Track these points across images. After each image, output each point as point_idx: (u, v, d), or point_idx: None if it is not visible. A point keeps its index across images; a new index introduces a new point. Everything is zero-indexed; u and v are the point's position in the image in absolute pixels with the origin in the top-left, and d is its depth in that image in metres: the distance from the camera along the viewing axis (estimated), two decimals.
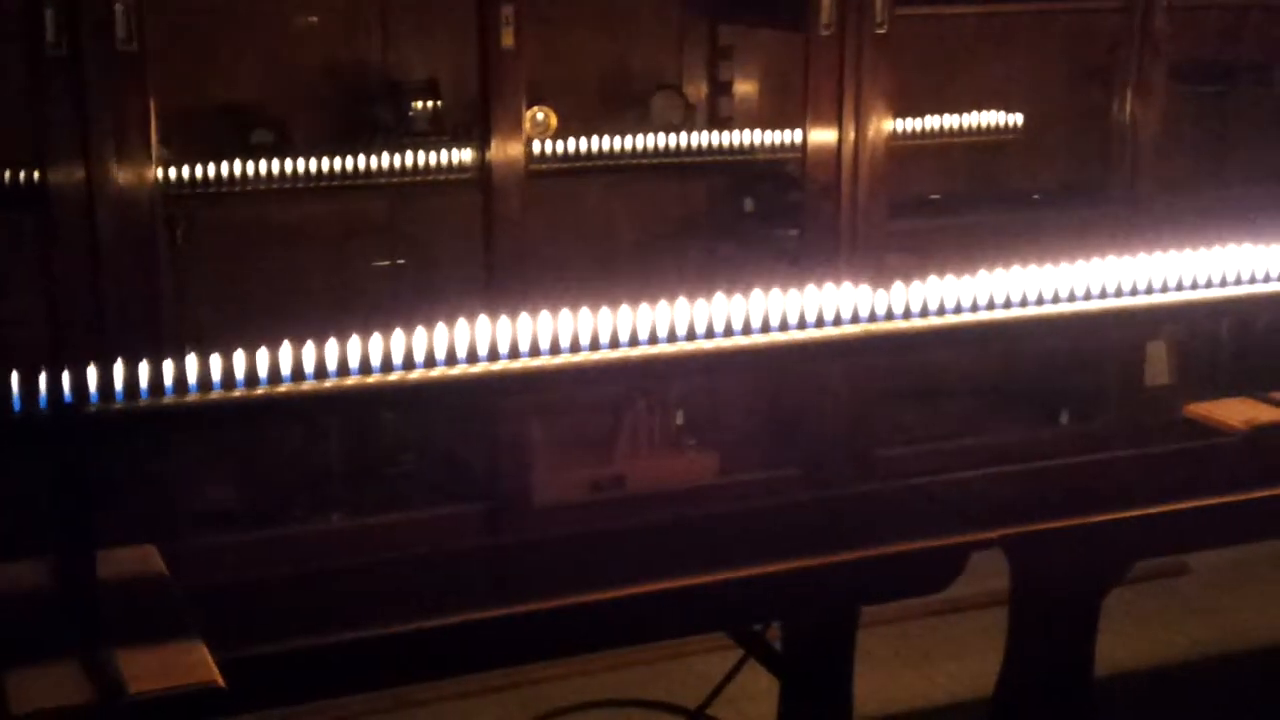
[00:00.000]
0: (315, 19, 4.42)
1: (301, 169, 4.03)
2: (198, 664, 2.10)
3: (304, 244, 4.45)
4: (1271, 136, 5.36)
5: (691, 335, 2.47)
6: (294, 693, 2.67)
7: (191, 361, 2.21)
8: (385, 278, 4.57)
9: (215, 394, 2.22)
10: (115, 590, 2.29)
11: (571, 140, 4.28)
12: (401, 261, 4.58)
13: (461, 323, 2.35)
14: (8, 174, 3.68)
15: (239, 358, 2.23)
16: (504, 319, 2.37)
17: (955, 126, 4.72)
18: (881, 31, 4.13)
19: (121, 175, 3.49)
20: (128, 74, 3.47)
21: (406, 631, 2.48)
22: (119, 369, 2.17)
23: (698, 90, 4.88)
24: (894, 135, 4.31)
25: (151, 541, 2.52)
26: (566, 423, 4.30)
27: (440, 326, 2.34)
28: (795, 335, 2.53)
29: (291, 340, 2.25)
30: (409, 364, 2.32)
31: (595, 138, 4.30)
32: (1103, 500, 3.04)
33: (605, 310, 2.44)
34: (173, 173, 3.89)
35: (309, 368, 2.26)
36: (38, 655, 2.11)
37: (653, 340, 2.45)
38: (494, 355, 2.36)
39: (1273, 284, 2.83)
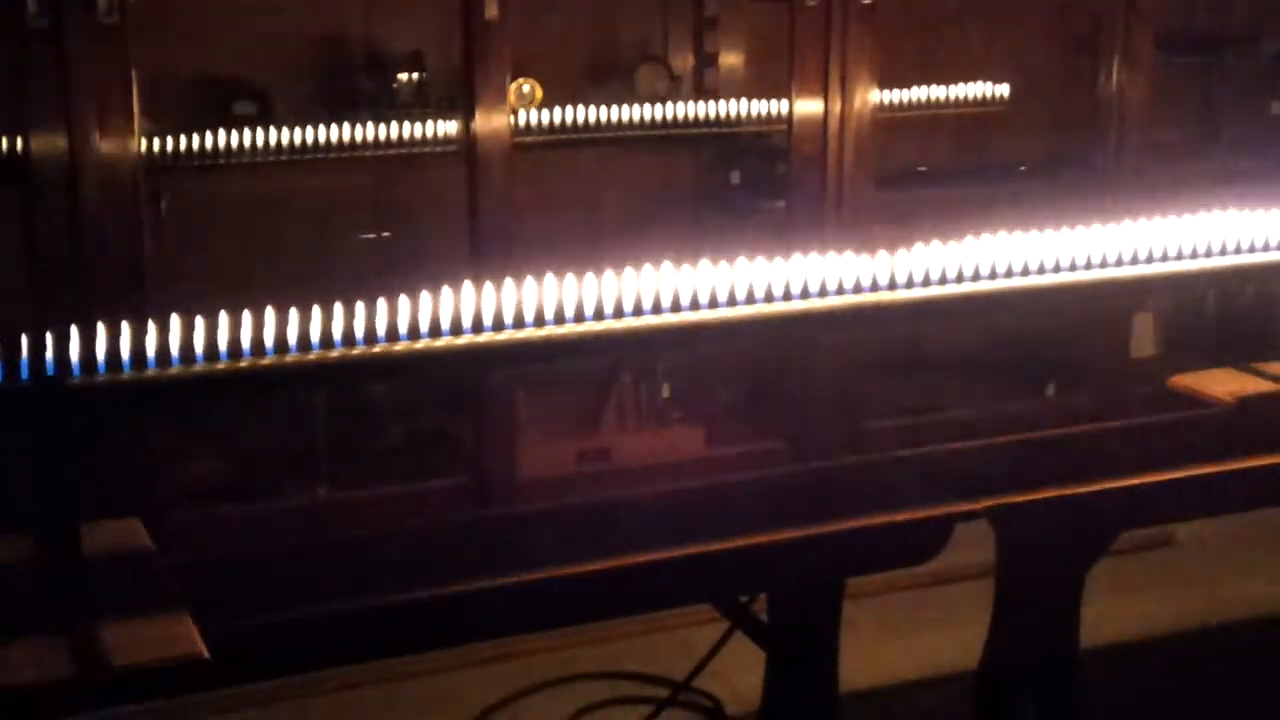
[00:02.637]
0: None
1: (285, 141, 4.02)
2: (183, 637, 2.10)
3: (288, 216, 4.43)
4: (1257, 107, 5.35)
5: (677, 307, 2.47)
6: (279, 665, 2.67)
7: (175, 334, 2.20)
8: (370, 250, 4.55)
9: (199, 367, 2.21)
10: (100, 564, 2.28)
11: (557, 112, 4.27)
12: (386, 234, 4.57)
13: (447, 295, 2.34)
14: None
15: (223, 331, 2.22)
16: (489, 291, 2.36)
17: (941, 98, 4.71)
18: (867, 2, 4.12)
19: (104, 147, 3.47)
20: (110, 46, 3.44)
21: (392, 604, 2.48)
22: (102, 341, 2.16)
23: (683, 62, 4.87)
24: (880, 106, 4.30)
25: (136, 515, 2.51)
26: (552, 396, 4.29)
27: (425, 299, 2.33)
28: (781, 307, 2.52)
29: (276, 313, 2.24)
30: (394, 336, 2.31)
31: (580, 109, 4.29)
32: (1089, 471, 3.04)
33: (591, 282, 2.43)
34: (156, 145, 3.87)
35: (294, 340, 2.25)
36: (22, 629, 2.10)
37: (638, 312, 2.45)
38: (479, 328, 2.36)
39: (1259, 254, 2.83)
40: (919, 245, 2.63)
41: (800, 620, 3.17)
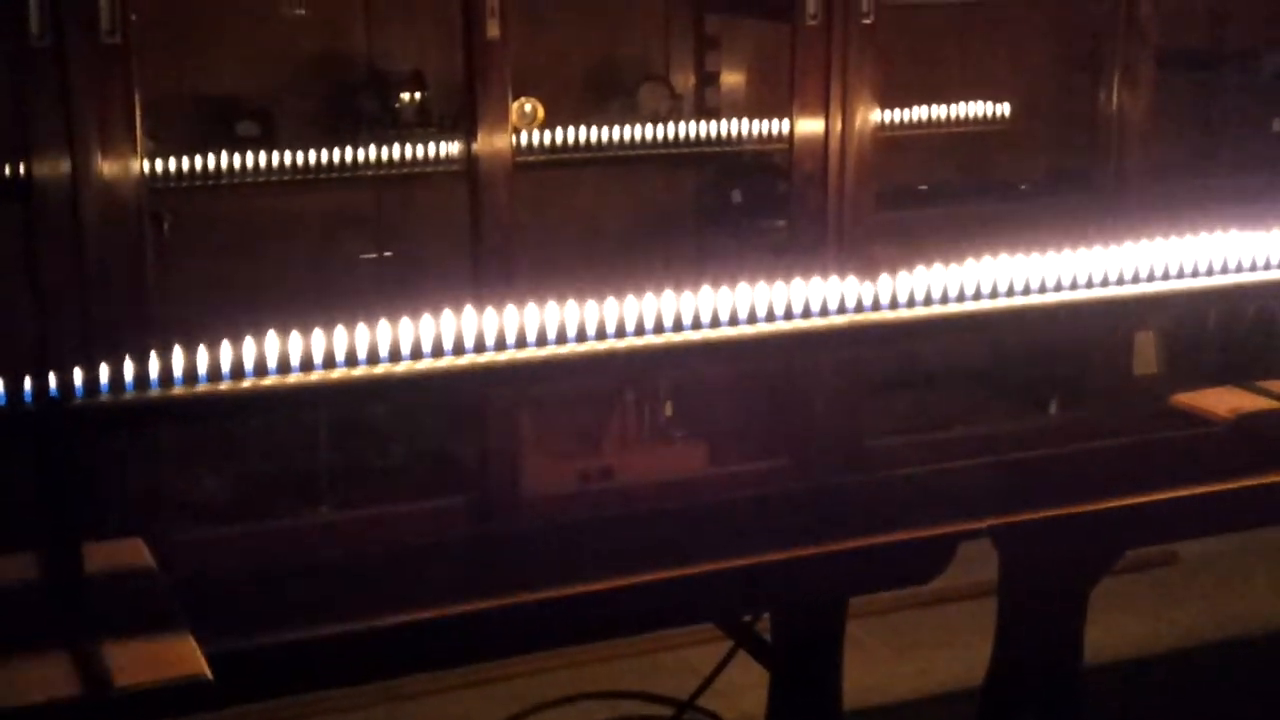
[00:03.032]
0: (301, 10, 4.40)
1: (287, 161, 4.02)
2: (185, 657, 2.10)
3: (290, 236, 4.43)
4: (1258, 124, 5.36)
5: (679, 327, 2.47)
6: (282, 686, 2.67)
7: (177, 355, 2.20)
8: (372, 270, 4.55)
9: (201, 387, 2.21)
10: (102, 583, 2.28)
11: (558, 131, 4.27)
12: (388, 254, 4.57)
13: (449, 315, 2.35)
14: None
15: (225, 351, 2.22)
16: (491, 311, 2.37)
17: (942, 116, 4.71)
18: (868, 21, 4.12)
19: (106, 168, 3.47)
20: (112, 66, 3.44)
21: (395, 624, 2.48)
22: (104, 363, 2.16)
23: (684, 81, 4.87)
24: (881, 125, 4.29)
25: (138, 534, 2.51)
26: (554, 414, 4.29)
27: (427, 319, 2.33)
28: (783, 326, 2.53)
29: (278, 333, 2.25)
30: (396, 357, 2.32)
31: (582, 129, 4.29)
32: (1091, 490, 3.04)
33: (593, 302, 2.43)
34: (158, 165, 3.88)
35: (295, 360, 2.25)
36: (25, 648, 2.10)
37: (640, 332, 2.45)
38: (481, 348, 2.36)
39: (1260, 273, 2.83)
40: (920, 264, 2.64)
41: (803, 639, 3.17)
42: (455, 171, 4.05)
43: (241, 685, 2.27)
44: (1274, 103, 5.35)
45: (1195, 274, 2.79)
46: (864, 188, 4.22)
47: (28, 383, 2.10)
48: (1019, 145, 5.09)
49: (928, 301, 2.62)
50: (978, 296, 2.65)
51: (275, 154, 4.01)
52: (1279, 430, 3.31)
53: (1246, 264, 2.82)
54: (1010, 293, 2.67)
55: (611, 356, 2.43)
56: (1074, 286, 2.71)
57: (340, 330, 2.28)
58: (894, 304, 2.60)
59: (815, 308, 2.55)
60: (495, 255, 3.90)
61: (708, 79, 4.89)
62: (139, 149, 3.51)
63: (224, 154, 3.96)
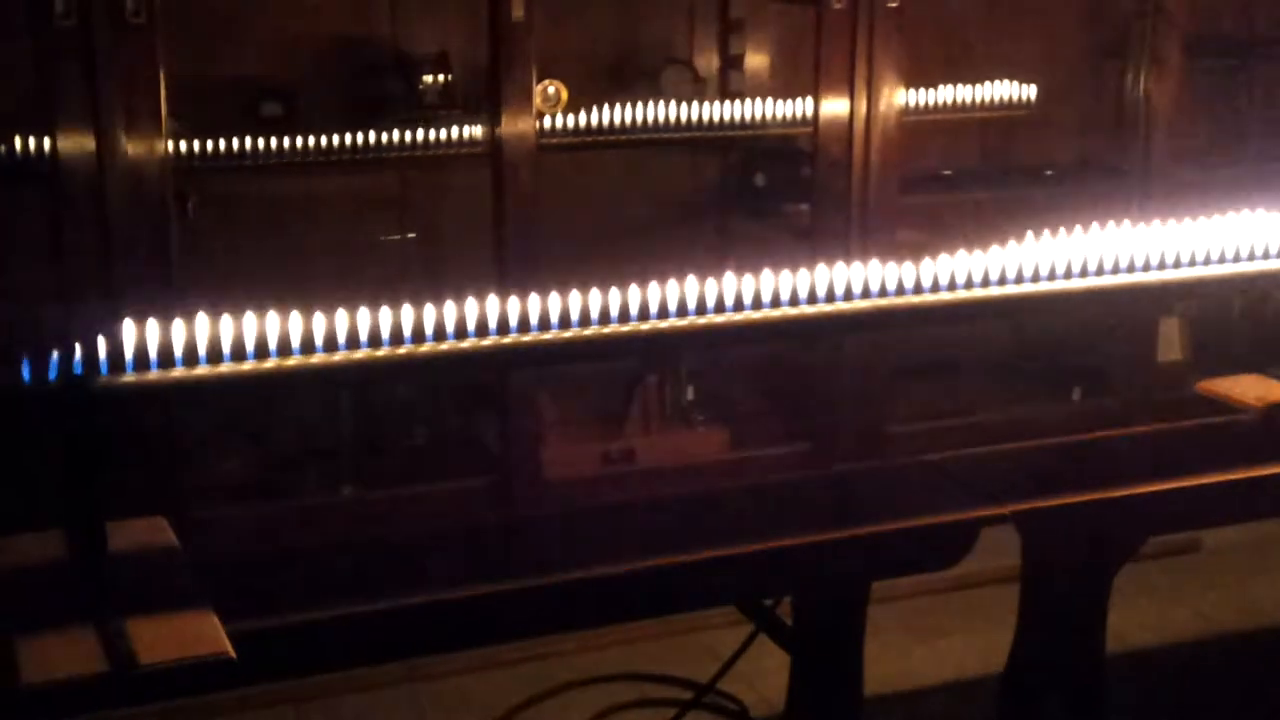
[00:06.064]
0: None
1: (311, 143, 4.03)
2: (209, 635, 2.10)
3: (314, 218, 4.44)
4: None
5: (702, 310, 2.47)
6: (304, 664, 2.68)
7: (202, 334, 2.21)
8: (395, 252, 4.56)
9: (225, 366, 2.22)
10: (126, 561, 2.29)
11: (582, 114, 4.27)
12: (411, 236, 4.57)
13: (471, 295, 2.35)
14: (18, 146, 3.68)
15: (249, 330, 2.22)
16: (514, 293, 2.37)
17: (968, 101, 4.69)
18: (894, 4, 4.10)
19: (131, 148, 3.48)
20: (137, 46, 3.45)
21: (417, 604, 2.49)
22: (129, 341, 2.17)
23: (708, 64, 4.86)
24: (906, 109, 4.28)
25: (162, 513, 2.52)
26: (576, 397, 4.29)
27: (451, 300, 2.34)
28: (806, 310, 2.52)
29: (302, 313, 2.25)
30: (419, 337, 2.32)
31: (605, 111, 4.28)
32: (1115, 476, 3.03)
33: (615, 284, 2.43)
34: (183, 145, 3.88)
35: (319, 341, 2.26)
36: (49, 626, 2.11)
37: (663, 315, 2.45)
38: (504, 329, 2.36)
39: None
40: (944, 249, 2.63)
41: (825, 624, 3.17)
42: (479, 154, 4.05)
43: (264, 663, 2.28)
44: None
45: (1222, 260, 2.77)
46: (888, 172, 4.20)
47: (53, 361, 2.11)
48: (1045, 131, 5.06)
49: (951, 286, 2.61)
50: (1002, 281, 2.64)
51: (299, 136, 4.01)
52: None
53: (1274, 250, 2.80)
54: (1035, 277, 2.66)
55: (633, 339, 2.43)
56: (1099, 271, 2.70)
57: (364, 310, 2.28)
58: (917, 289, 2.59)
59: (839, 292, 2.54)
60: (518, 237, 3.90)
61: (732, 62, 4.87)
62: (164, 130, 3.52)
63: (248, 135, 3.97)
